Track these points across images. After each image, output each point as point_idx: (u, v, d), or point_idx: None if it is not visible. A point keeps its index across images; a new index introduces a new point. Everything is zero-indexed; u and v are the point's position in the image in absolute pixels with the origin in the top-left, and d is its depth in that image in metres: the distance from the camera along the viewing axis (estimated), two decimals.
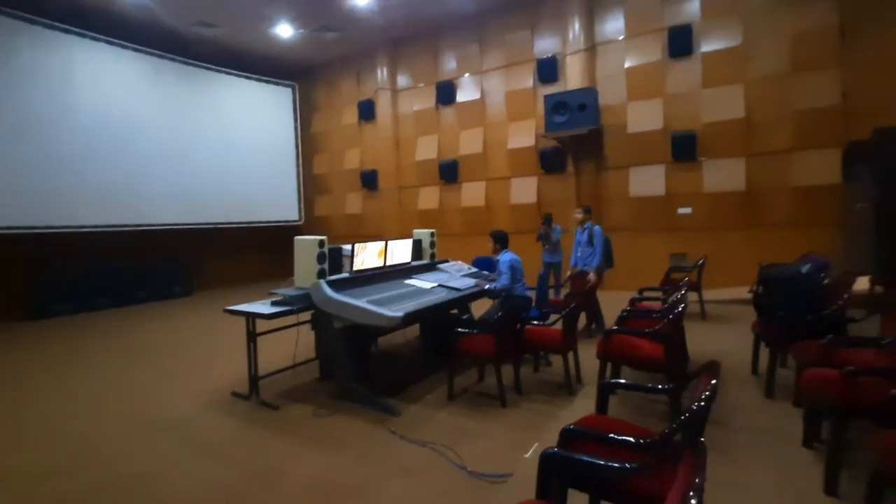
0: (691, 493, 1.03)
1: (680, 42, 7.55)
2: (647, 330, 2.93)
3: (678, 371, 3.02)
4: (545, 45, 8.77)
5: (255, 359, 3.76)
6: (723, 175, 7.34)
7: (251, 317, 3.71)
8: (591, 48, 8.28)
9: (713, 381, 1.34)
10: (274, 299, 3.90)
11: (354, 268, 4.32)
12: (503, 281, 4.37)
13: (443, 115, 10.03)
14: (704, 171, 7.50)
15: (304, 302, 3.82)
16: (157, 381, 4.43)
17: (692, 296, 5.74)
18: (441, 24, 9.64)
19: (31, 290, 7.77)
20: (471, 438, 3.01)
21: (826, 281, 3.67)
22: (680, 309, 2.90)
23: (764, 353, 3.53)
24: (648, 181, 7.89)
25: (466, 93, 9.65)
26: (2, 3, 7.33)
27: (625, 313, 3.57)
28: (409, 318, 3.45)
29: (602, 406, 2.07)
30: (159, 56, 9.39)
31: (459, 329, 3.67)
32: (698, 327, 5.40)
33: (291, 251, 4.01)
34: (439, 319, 4.64)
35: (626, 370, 3.62)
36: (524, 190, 9.03)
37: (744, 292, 6.50)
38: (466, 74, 9.63)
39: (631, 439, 1.58)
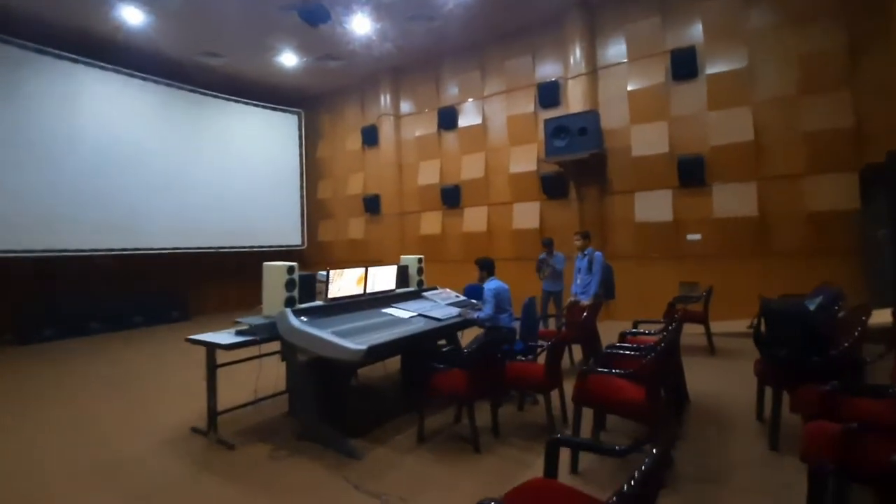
0: None
1: (683, 65, 7.35)
2: (623, 371, 2.60)
3: (665, 417, 2.67)
4: (546, 70, 8.68)
5: (214, 393, 3.52)
6: (733, 200, 6.99)
7: (211, 347, 3.50)
8: (593, 72, 8.14)
9: (657, 452, 1.06)
10: (239, 328, 3.69)
11: (330, 295, 4.12)
12: (486, 311, 4.10)
13: (445, 140, 9.95)
14: (714, 195, 7.17)
15: (269, 332, 3.61)
16: (122, 413, 4.23)
17: (698, 329, 5.35)
18: (442, 52, 9.66)
19: (23, 315, 7.74)
20: (432, 490, 2.69)
21: (840, 313, 3.30)
22: (664, 345, 2.57)
23: (770, 396, 3.15)
24: (654, 206, 7.58)
25: (468, 118, 9.58)
26: (11, 34, 7.57)
27: (609, 350, 3.23)
28: (375, 352, 3.20)
29: (551, 468, 1.76)
30: (166, 84, 9.58)
31: (431, 363, 3.37)
32: (704, 364, 4.99)
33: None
34: (418, 351, 4.35)
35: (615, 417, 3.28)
36: (526, 215, 8.80)
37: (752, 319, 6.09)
38: (468, 100, 9.58)
39: None
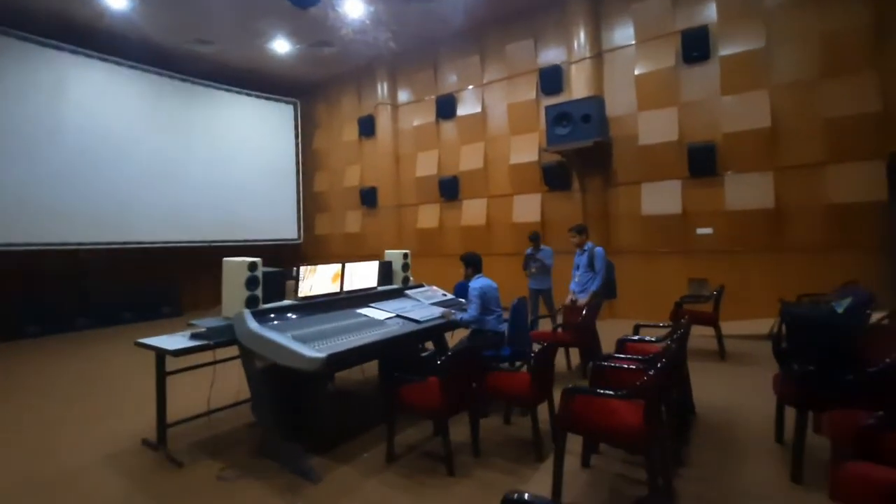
0: None
1: (695, 46, 6.84)
2: (617, 392, 2.18)
3: (664, 445, 2.26)
4: (549, 55, 8.20)
5: (163, 403, 3.19)
6: (748, 191, 6.50)
7: (161, 353, 3.15)
8: (598, 55, 7.65)
9: None
10: (195, 331, 3.35)
11: (300, 294, 3.77)
12: (470, 312, 3.71)
13: (443, 129, 9.53)
14: (727, 186, 6.68)
15: (225, 335, 3.26)
16: (80, 419, 3.93)
17: (708, 330, 4.91)
18: (440, 37, 9.21)
19: (4, 310, 7.50)
20: None
21: (871, 320, 2.86)
22: (667, 359, 2.16)
23: (791, 415, 2.73)
24: (662, 198, 7.10)
25: (467, 106, 9.14)
26: None
27: (603, 362, 2.80)
28: (337, 360, 2.83)
29: None
30: (156, 73, 9.27)
31: (399, 373, 2.99)
32: (714, 370, 4.55)
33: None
34: (390, 357, 3.99)
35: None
36: (527, 208, 8.37)
37: (770, 326, 5.63)
38: (467, 87, 9.13)
39: None
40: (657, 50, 7.19)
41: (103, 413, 4.03)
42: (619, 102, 7.47)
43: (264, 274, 3.59)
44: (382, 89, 10.23)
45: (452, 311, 3.94)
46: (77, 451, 3.29)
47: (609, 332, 5.15)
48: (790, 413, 2.62)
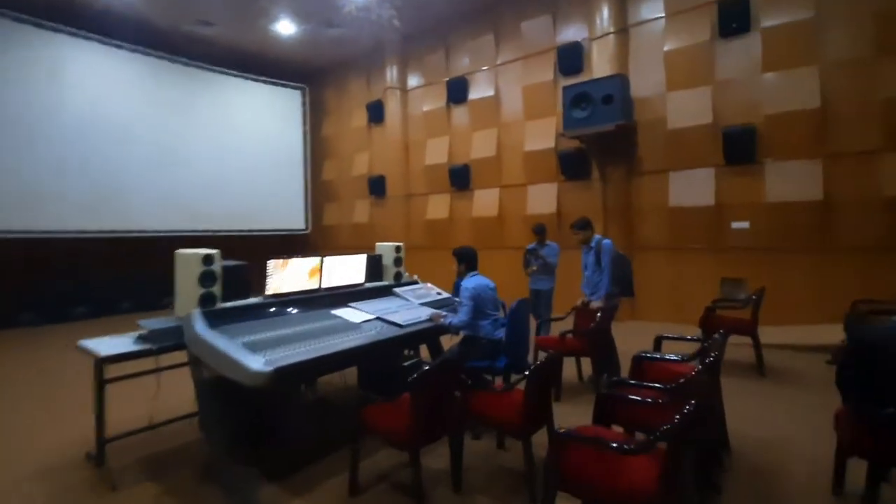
0: None
1: (733, 17, 6.07)
2: (625, 445, 1.58)
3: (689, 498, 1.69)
4: (568, 32, 7.51)
5: (101, 414, 2.78)
6: (792, 180, 5.74)
7: (98, 359, 2.73)
8: (623, 30, 6.94)
9: None
10: (141, 332, 2.92)
11: (269, 291, 3.31)
12: (461, 315, 3.18)
13: (454, 114, 8.96)
14: (767, 175, 5.93)
15: (172, 339, 2.83)
16: (35, 423, 3.59)
17: (744, 340, 4.25)
18: (451, 15, 8.62)
19: (1, 298, 7.34)
20: None
21: None
22: (694, 404, 1.58)
23: (856, 465, 2.12)
24: (693, 188, 6.39)
25: (479, 90, 8.54)
26: None
27: (612, 392, 2.21)
28: (287, 375, 2.35)
29: None
30: (157, 57, 8.97)
31: (366, 392, 2.49)
32: (752, 391, 3.89)
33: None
34: (373, 363, 3.50)
35: None
36: (542, 199, 7.75)
37: (818, 334, 4.93)
38: (480, 69, 8.52)
39: None
40: (690, 23, 6.44)
41: (58, 416, 3.68)
42: (645, 82, 6.76)
43: (226, 268, 3.15)
44: (392, 73, 9.71)
45: (443, 313, 3.42)
46: (16, 463, 2.93)
47: (628, 337, 4.57)
48: (855, 464, 2.02)
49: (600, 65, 6.98)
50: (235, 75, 10.12)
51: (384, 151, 9.95)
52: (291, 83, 10.92)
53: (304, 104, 11.14)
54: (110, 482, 2.63)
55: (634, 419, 1.89)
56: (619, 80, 6.48)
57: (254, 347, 2.53)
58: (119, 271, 8.60)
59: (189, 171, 9.32)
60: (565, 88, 6.80)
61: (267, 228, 10.47)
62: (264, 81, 10.54)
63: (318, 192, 11.38)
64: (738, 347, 4.44)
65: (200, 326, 2.67)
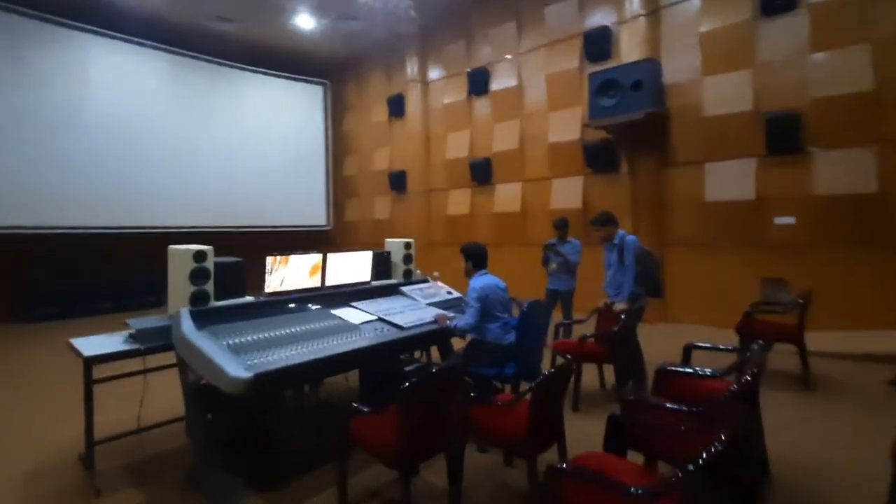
0: None
1: None
2: (637, 490, 1.27)
3: None
4: (595, 16, 7.10)
5: (91, 416, 2.67)
6: (843, 171, 5.20)
7: (87, 359, 2.62)
8: (654, 12, 6.49)
9: None
10: (131, 331, 2.81)
11: (268, 290, 3.15)
12: (467, 318, 2.94)
13: (475, 106, 8.67)
14: (815, 165, 5.40)
15: (160, 339, 2.70)
16: (38, 419, 3.55)
17: (788, 347, 3.83)
18: (472, 3, 8.34)
19: (23, 292, 7.53)
20: None
21: None
22: (729, 438, 1.28)
23: None
24: (732, 181, 5.91)
25: (501, 80, 8.22)
26: (12, 1, 7.21)
27: (630, 411, 1.88)
28: (268, 381, 2.16)
29: None
30: (179, 54, 9.04)
31: (356, 405, 2.27)
32: (797, 406, 3.47)
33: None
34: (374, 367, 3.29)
35: None
36: (567, 193, 7.39)
37: (872, 341, 4.44)
38: (502, 59, 8.19)
39: None
40: (728, 1, 5.94)
41: (61, 413, 3.62)
42: (678, 67, 6.30)
43: (220, 265, 3.01)
44: (412, 66, 9.50)
45: (449, 314, 3.18)
46: (18, 460, 2.87)
47: (657, 341, 4.22)
48: None
49: (630, 50, 6.56)
50: (256, 71, 10.13)
51: (405, 146, 9.76)
52: (313, 78, 10.86)
53: (325, 99, 11.07)
54: (96, 487, 2.52)
55: (656, 445, 1.60)
56: (650, 65, 6.05)
57: (239, 350, 2.36)
58: (142, 267, 8.72)
59: (211, 169, 9.39)
60: (591, 75, 6.42)
61: (289, 225, 10.47)
62: (286, 77, 10.52)
63: (340, 188, 11.32)
64: (780, 355, 4.01)
65: (187, 326, 2.53)
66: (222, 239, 9.40)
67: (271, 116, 10.28)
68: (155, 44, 8.68)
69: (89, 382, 2.67)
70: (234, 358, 2.25)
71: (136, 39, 8.46)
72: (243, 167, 9.78)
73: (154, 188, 8.62)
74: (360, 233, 10.87)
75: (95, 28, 8.03)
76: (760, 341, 2.20)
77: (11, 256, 7.50)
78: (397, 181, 9.83)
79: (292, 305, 3.10)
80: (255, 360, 2.27)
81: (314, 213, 10.98)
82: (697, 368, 2.39)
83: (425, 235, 9.30)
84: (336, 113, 11.27)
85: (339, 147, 11.32)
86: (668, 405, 1.75)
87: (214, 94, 9.56)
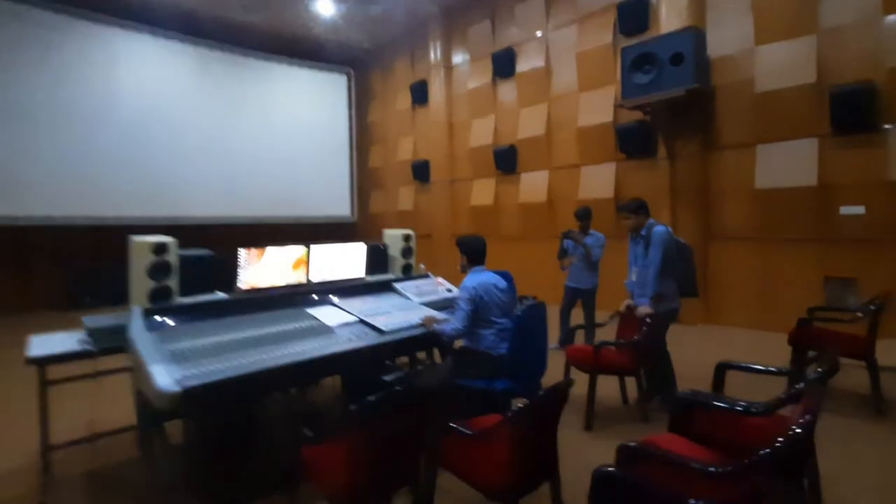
0: None
1: None
2: None
3: None
4: None
5: (45, 420, 2.47)
6: None
7: (40, 360, 2.41)
8: None
9: None
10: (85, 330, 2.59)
11: (241, 286, 2.87)
12: (455, 322, 2.53)
13: (500, 90, 8.16)
14: (890, 146, 4.60)
15: (115, 340, 2.45)
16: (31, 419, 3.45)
17: (854, 363, 3.17)
18: None
19: (68, 282, 7.71)
20: None
21: None
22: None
23: None
24: (788, 164, 5.15)
25: (528, 61, 7.65)
26: None
27: (611, 474, 1.31)
28: (199, 397, 1.84)
29: None
30: (206, 46, 9.03)
31: (303, 427, 1.92)
32: (863, 434, 2.83)
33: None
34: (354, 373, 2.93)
35: None
36: (598, 181, 6.78)
37: None
38: (528, 38, 7.62)
39: None
40: None
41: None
42: (726, 36, 5.57)
43: (186, 258, 2.75)
44: (435, 50, 9.07)
45: (439, 316, 2.78)
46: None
47: (698, 347, 3.64)
48: None
49: (669, 20, 5.85)
50: (281, 61, 10.01)
51: (428, 134, 9.38)
52: (337, 66, 10.64)
53: (349, 89, 10.84)
54: (40, 499, 2.32)
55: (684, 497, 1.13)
56: (692, 36, 5.35)
57: (182, 357, 2.06)
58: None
59: (237, 160, 9.36)
60: (625, 49, 5.78)
61: (313, 216, 10.35)
62: (309, 66, 10.35)
63: (365, 179, 11.09)
64: (844, 369, 3.35)
65: (136, 326, 2.27)
66: (248, 231, 9.42)
67: (296, 108, 10.16)
68: (182, 35, 8.68)
69: (42, 383, 2.47)
70: (170, 367, 1.95)
71: (163, 32, 8.48)
72: (269, 158, 9.72)
73: (185, 180, 8.67)
74: (384, 225, 10.54)
75: (125, 21, 8.11)
76: (819, 365, 1.65)
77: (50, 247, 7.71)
78: (420, 171, 9.48)
79: (265, 304, 2.79)
80: (197, 370, 1.96)
81: (339, 204, 10.82)
82: (731, 402, 1.74)
83: (450, 227, 8.93)
84: (361, 102, 11.02)
85: (363, 138, 11.08)
86: (676, 458, 1.25)
87: (240, 85, 9.52)
